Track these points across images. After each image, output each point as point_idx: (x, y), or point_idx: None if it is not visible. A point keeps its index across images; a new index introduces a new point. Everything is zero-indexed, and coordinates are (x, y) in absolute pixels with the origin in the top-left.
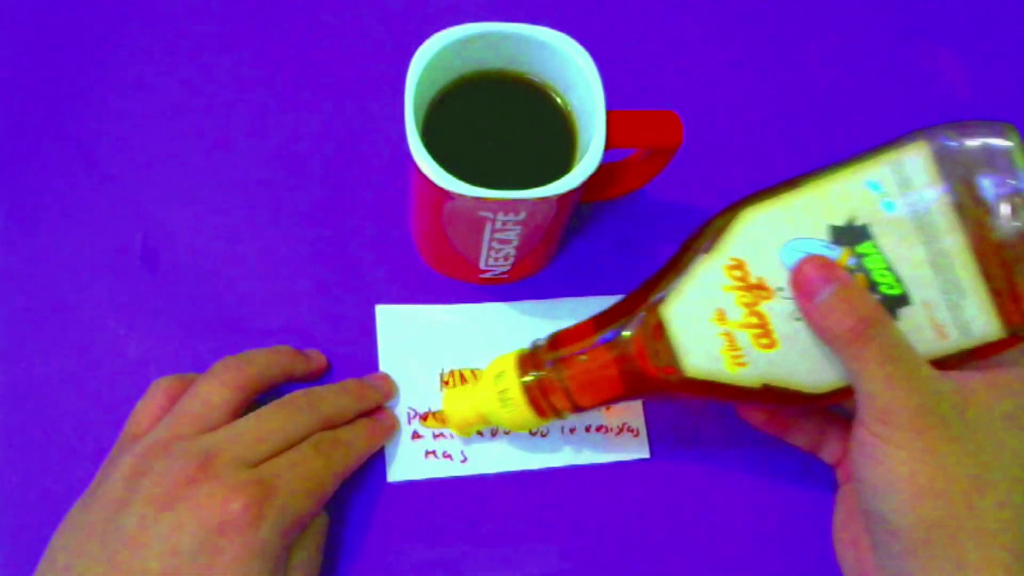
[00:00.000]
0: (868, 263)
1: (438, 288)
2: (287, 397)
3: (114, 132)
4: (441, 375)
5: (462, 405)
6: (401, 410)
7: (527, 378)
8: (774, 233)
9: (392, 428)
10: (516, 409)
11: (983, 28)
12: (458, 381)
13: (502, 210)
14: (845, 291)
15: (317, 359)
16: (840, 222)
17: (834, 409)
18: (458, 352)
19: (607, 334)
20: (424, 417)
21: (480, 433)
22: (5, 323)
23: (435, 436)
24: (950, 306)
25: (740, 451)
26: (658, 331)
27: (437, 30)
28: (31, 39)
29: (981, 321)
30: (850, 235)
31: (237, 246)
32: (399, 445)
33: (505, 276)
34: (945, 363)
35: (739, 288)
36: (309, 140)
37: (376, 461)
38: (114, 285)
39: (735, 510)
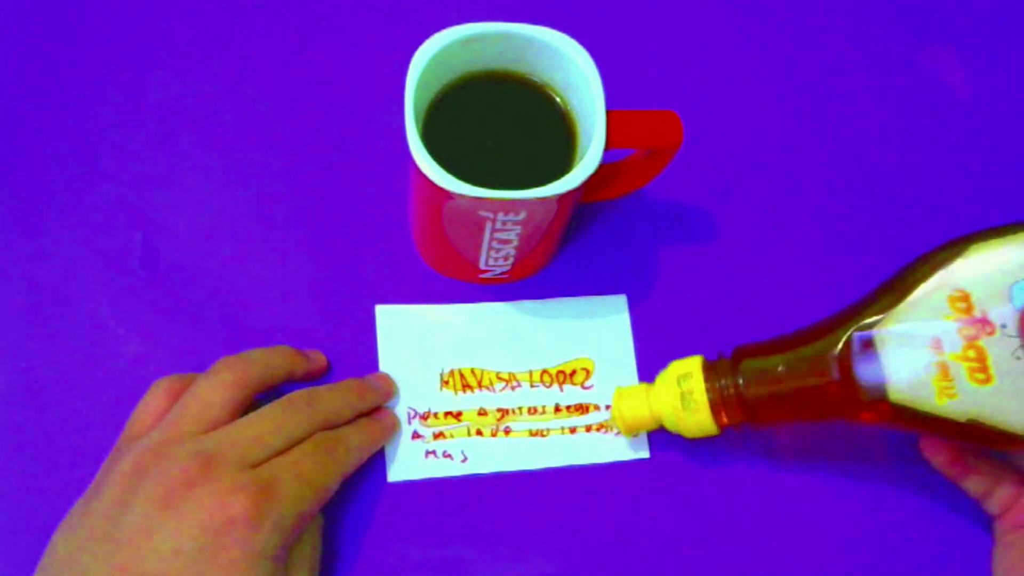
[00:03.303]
0: None
1: (438, 288)
2: (287, 397)
3: (114, 132)
4: (441, 375)
5: (636, 404)
6: (401, 410)
7: (714, 383)
8: (1005, 271)
9: (392, 428)
10: (696, 414)
11: (984, 29)
12: (458, 381)
13: (502, 210)
14: None
15: (317, 359)
16: None
17: (1002, 458)
18: (458, 352)
19: (807, 351)
20: (424, 417)
21: (480, 432)
22: (5, 323)
23: (435, 436)
24: None
25: (739, 452)
26: (867, 353)
27: (437, 30)
28: (31, 40)
29: None
30: None
31: (237, 246)
32: (399, 445)
33: (505, 276)
34: None
35: (961, 320)
36: (309, 140)
37: (376, 461)
38: (114, 285)
39: (735, 511)
